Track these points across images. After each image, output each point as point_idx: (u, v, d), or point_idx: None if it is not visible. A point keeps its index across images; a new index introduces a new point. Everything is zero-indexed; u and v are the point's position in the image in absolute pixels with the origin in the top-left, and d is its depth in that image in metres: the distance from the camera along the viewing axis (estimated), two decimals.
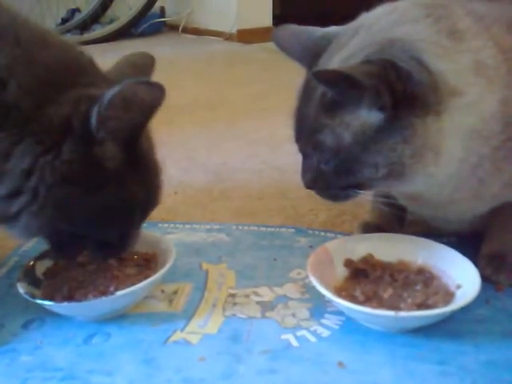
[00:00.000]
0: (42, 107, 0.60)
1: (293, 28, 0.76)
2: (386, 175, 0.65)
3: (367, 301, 0.68)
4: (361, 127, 0.63)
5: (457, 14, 0.65)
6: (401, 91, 0.60)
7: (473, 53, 0.63)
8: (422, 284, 0.71)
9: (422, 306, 0.67)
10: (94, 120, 0.59)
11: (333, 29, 0.73)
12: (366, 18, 0.70)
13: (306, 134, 0.68)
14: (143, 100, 0.60)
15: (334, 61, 0.67)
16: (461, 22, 0.64)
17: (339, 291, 0.71)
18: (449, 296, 0.69)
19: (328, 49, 0.70)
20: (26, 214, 0.61)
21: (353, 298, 0.69)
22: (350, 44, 0.66)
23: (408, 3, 0.68)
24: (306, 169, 0.71)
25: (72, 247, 0.68)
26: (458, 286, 0.69)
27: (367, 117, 0.63)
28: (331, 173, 0.67)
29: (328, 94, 0.64)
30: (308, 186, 0.72)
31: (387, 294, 0.69)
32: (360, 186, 0.68)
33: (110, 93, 0.58)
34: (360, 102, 0.62)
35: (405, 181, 0.66)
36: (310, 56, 0.71)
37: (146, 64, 0.74)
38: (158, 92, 0.60)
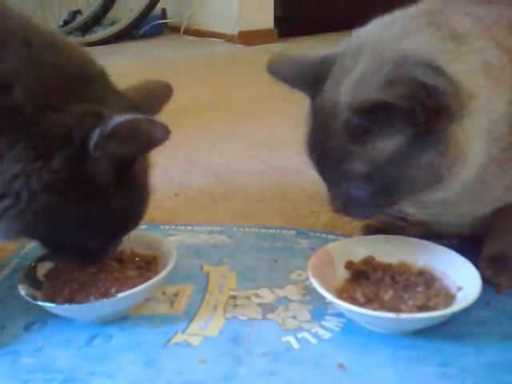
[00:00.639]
0: (45, 111, 0.60)
1: (286, 56, 0.74)
2: (423, 188, 0.64)
3: (368, 303, 0.68)
4: (394, 149, 0.62)
5: (456, 18, 0.65)
6: (432, 107, 0.59)
7: (478, 53, 0.63)
8: (423, 286, 0.71)
9: (423, 307, 0.67)
10: (93, 140, 0.59)
11: (329, 52, 0.70)
12: (364, 36, 0.68)
13: (333, 164, 0.66)
14: (146, 136, 0.61)
15: (345, 86, 0.64)
16: (461, 26, 0.64)
17: (340, 293, 0.71)
18: (450, 298, 0.69)
19: (331, 74, 0.67)
20: (6, 216, 0.61)
21: (353, 300, 0.69)
22: (358, 66, 0.64)
23: (405, 14, 0.68)
24: (335, 196, 0.70)
25: (62, 251, 0.69)
26: (459, 288, 0.69)
27: (400, 137, 0.61)
28: (365, 197, 0.66)
29: (353, 120, 0.62)
30: (339, 212, 0.71)
31: (388, 295, 0.69)
32: (395, 202, 0.68)
33: (116, 120, 0.58)
34: (392, 124, 0.61)
35: (438, 189, 0.65)
36: (310, 83, 0.69)
37: (162, 94, 0.74)
38: (164, 133, 0.61)
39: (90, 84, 0.64)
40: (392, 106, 0.58)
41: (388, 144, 0.62)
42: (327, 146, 0.66)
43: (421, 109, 0.59)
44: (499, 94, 0.63)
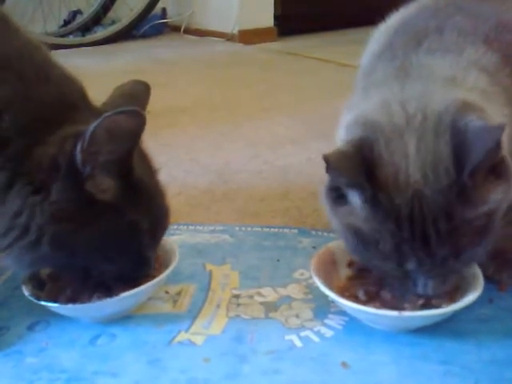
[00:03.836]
0: (31, 147, 0.61)
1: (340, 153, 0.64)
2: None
3: (370, 301, 0.69)
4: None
5: (428, 63, 0.66)
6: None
7: (476, 86, 0.64)
8: None
9: (425, 305, 0.67)
10: (78, 158, 0.60)
11: (361, 138, 0.62)
12: (379, 115, 0.63)
13: (446, 244, 0.60)
14: (124, 129, 0.60)
15: (413, 171, 0.59)
16: (443, 69, 0.65)
17: (342, 291, 0.71)
18: (451, 296, 0.69)
19: (383, 161, 0.60)
20: (16, 247, 0.62)
21: (356, 299, 0.69)
22: (414, 147, 0.60)
23: (380, 78, 0.69)
24: (444, 278, 0.63)
25: (82, 281, 0.68)
26: (461, 286, 0.69)
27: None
28: (478, 253, 0.63)
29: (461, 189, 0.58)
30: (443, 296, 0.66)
31: (390, 294, 0.69)
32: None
33: (90, 128, 0.59)
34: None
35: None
36: (363, 174, 0.60)
37: (140, 92, 0.74)
38: (138, 119, 0.61)
39: (70, 109, 0.65)
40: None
41: (496, 195, 0.60)
42: (438, 240, 0.59)
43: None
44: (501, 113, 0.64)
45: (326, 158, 0.59)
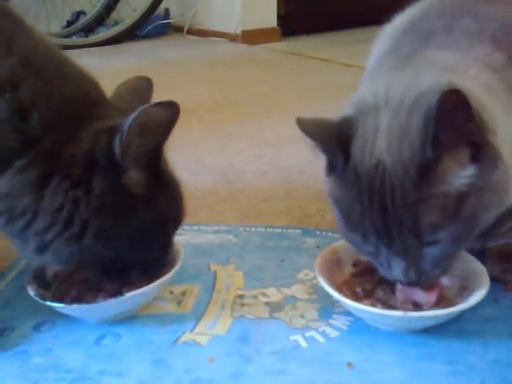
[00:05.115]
0: (61, 144, 0.62)
1: (311, 120, 0.67)
2: (498, 205, 0.62)
3: (367, 297, 0.69)
4: (469, 176, 0.59)
5: (434, 55, 0.66)
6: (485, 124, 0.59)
7: (478, 77, 0.64)
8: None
9: (416, 306, 0.67)
10: (117, 150, 0.61)
11: (346, 115, 0.65)
12: (376, 95, 0.64)
13: (404, 229, 0.59)
14: (160, 121, 0.62)
15: (380, 143, 0.61)
16: (447, 60, 0.65)
17: (341, 286, 0.72)
18: (457, 296, 0.69)
19: (357, 137, 0.62)
20: (58, 241, 0.63)
21: (354, 294, 0.70)
22: (387, 122, 0.61)
23: (383, 70, 0.68)
24: (407, 267, 0.62)
25: (115, 272, 0.69)
26: (466, 286, 0.69)
27: (472, 159, 0.59)
28: (443, 250, 0.61)
29: (424, 163, 0.58)
30: (414, 284, 0.64)
31: (383, 292, 0.70)
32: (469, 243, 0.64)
33: (128, 121, 0.60)
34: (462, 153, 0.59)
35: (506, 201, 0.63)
36: (338, 145, 0.63)
37: (144, 88, 0.75)
38: (173, 109, 0.62)
39: (93, 105, 0.66)
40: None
41: (465, 171, 0.59)
42: (388, 209, 0.59)
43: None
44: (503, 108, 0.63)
45: (298, 120, 0.63)
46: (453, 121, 0.56)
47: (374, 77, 0.72)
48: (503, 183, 0.61)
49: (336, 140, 0.62)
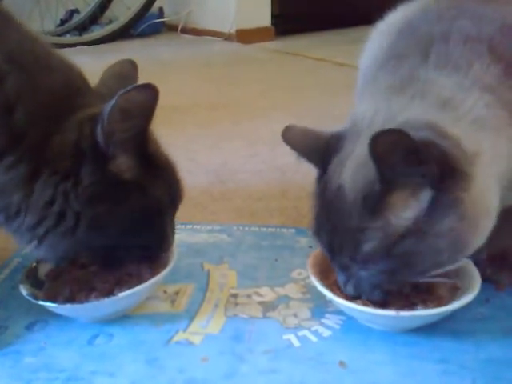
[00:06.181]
0: (48, 137, 0.62)
1: (299, 129, 0.72)
2: (446, 258, 0.61)
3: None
4: (415, 216, 0.59)
5: (438, 82, 0.64)
6: (445, 169, 0.58)
7: (469, 113, 0.62)
8: (422, 283, 0.71)
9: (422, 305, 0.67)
10: (100, 138, 0.61)
11: (339, 131, 0.68)
12: (359, 117, 0.66)
13: (345, 246, 0.63)
14: (140, 104, 0.61)
15: (348, 170, 0.63)
16: (444, 89, 0.63)
17: (333, 286, 0.71)
18: (449, 295, 0.69)
19: (336, 154, 0.66)
20: (51, 235, 0.63)
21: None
22: (357, 149, 0.63)
23: (382, 87, 0.68)
24: (346, 280, 0.66)
25: (115, 259, 0.69)
26: (458, 286, 0.70)
27: (419, 203, 0.59)
28: (380, 276, 0.63)
29: (371, 195, 0.59)
30: (354, 296, 0.66)
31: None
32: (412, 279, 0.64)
33: (107, 108, 0.59)
34: (412, 189, 0.59)
35: (463, 256, 0.64)
36: (321, 158, 0.68)
37: (129, 71, 0.75)
38: (151, 92, 0.61)
39: (77, 95, 0.66)
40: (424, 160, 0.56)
41: (408, 212, 0.59)
42: (336, 229, 0.63)
43: (436, 170, 0.57)
44: (499, 137, 0.63)
45: (285, 129, 0.71)
46: (391, 161, 0.56)
47: (371, 93, 0.70)
48: (460, 232, 0.59)
49: (320, 154, 0.68)
